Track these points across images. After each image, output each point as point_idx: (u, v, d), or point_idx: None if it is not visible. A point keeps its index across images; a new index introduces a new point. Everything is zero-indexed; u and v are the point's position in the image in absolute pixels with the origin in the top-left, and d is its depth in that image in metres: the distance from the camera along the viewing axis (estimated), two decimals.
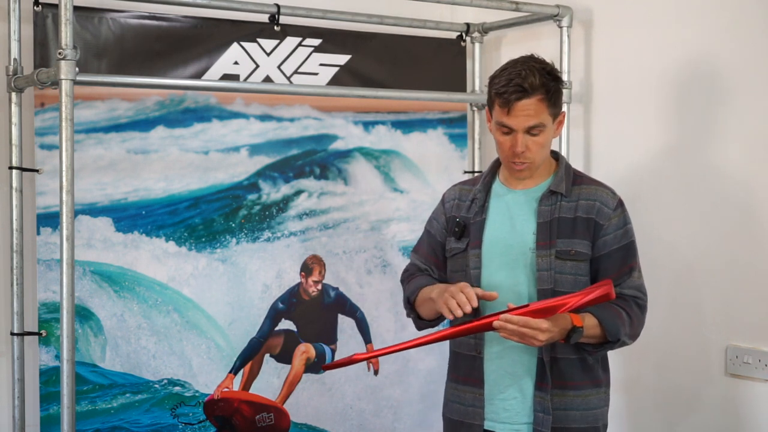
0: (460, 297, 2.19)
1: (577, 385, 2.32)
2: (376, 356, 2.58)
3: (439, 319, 2.44)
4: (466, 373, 2.39)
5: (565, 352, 2.30)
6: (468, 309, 2.18)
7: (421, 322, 2.49)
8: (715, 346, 2.89)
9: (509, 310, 2.18)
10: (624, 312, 2.28)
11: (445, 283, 2.48)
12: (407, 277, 2.54)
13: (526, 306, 2.18)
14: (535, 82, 2.22)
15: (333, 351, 3.34)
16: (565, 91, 3.18)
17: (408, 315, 2.53)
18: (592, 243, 2.31)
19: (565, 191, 2.33)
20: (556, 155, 2.42)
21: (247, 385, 3.18)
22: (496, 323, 2.15)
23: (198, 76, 3.07)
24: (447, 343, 2.50)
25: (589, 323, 2.23)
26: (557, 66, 2.38)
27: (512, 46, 3.60)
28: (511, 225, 2.35)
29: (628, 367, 3.09)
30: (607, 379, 2.41)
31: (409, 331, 3.42)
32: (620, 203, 2.35)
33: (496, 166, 2.44)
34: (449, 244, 2.43)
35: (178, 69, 3.04)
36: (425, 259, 2.52)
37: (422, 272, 2.51)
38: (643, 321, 2.35)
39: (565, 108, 2.36)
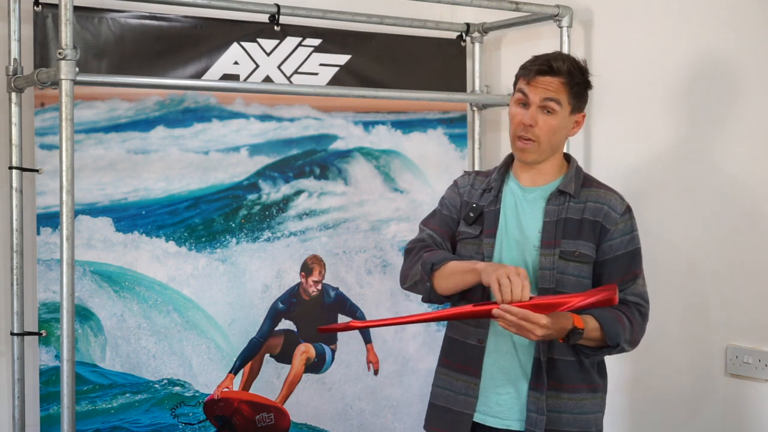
0: (517, 283, 2.11)
1: (573, 388, 2.31)
2: (373, 326, 2.74)
3: (451, 297, 2.35)
4: (462, 361, 2.37)
5: (563, 354, 2.30)
6: (519, 298, 2.11)
7: (432, 294, 2.35)
8: (715, 346, 2.89)
9: (511, 301, 2.16)
10: (626, 318, 2.27)
11: None
12: (423, 247, 2.41)
13: (530, 299, 2.17)
14: (562, 66, 2.28)
15: (333, 351, 3.34)
16: None
17: (416, 283, 2.37)
18: (597, 246, 2.31)
19: (574, 192, 2.33)
20: (568, 158, 2.42)
21: (247, 385, 3.18)
22: (495, 311, 2.13)
23: (198, 76, 3.07)
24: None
25: (590, 326, 2.22)
26: (590, 72, 2.38)
27: (512, 46, 3.60)
28: (519, 220, 2.35)
29: (629, 367, 3.09)
30: (605, 384, 2.40)
31: (409, 331, 3.43)
32: (628, 209, 2.35)
33: (510, 160, 2.44)
34: (461, 228, 2.42)
35: (178, 69, 3.04)
36: (439, 234, 2.44)
37: (439, 247, 2.41)
38: (643, 328, 2.33)
39: (586, 114, 2.37)
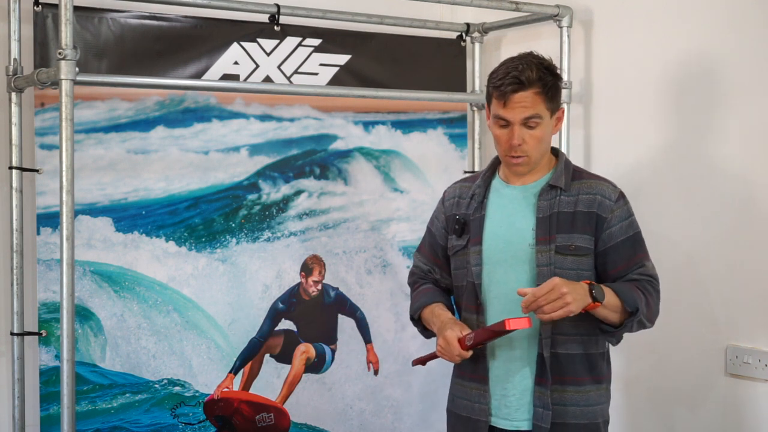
0: (449, 351, 2.28)
1: (577, 380, 2.32)
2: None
3: None
4: (471, 370, 2.39)
5: (566, 348, 2.30)
6: (457, 360, 2.30)
7: (427, 332, 2.50)
8: (715, 346, 2.89)
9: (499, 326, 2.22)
10: (638, 289, 2.26)
11: (449, 283, 2.50)
12: (412, 284, 2.57)
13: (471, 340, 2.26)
14: (531, 75, 2.24)
15: (333, 351, 3.34)
16: (565, 91, 3.20)
17: (413, 323, 2.55)
18: (595, 237, 2.30)
19: (564, 185, 2.32)
20: (555, 151, 2.41)
21: (247, 385, 3.18)
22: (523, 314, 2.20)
23: (198, 76, 3.07)
24: None
25: (607, 291, 2.22)
26: (557, 66, 2.37)
27: (512, 46, 3.60)
28: (510, 221, 2.35)
29: (628, 367, 3.09)
30: (609, 375, 2.41)
31: (409, 331, 3.43)
32: (621, 195, 2.34)
33: (496, 163, 2.44)
34: (450, 242, 2.44)
35: (178, 69, 3.04)
36: (427, 259, 2.54)
37: (426, 275, 2.53)
38: (657, 303, 2.32)
39: (564, 107, 2.35)
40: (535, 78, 2.24)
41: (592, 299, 2.19)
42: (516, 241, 2.33)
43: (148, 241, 3.02)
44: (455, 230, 2.42)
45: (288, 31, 3.22)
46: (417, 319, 2.49)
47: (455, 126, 3.58)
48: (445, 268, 2.50)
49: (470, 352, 2.27)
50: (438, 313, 2.39)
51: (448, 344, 2.27)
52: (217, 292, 3.13)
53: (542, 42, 3.37)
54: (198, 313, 3.09)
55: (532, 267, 2.30)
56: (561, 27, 3.25)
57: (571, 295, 2.14)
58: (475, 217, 2.39)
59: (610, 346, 2.42)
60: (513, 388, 2.33)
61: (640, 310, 2.24)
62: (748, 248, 2.81)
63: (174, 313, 3.05)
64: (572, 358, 2.31)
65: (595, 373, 2.35)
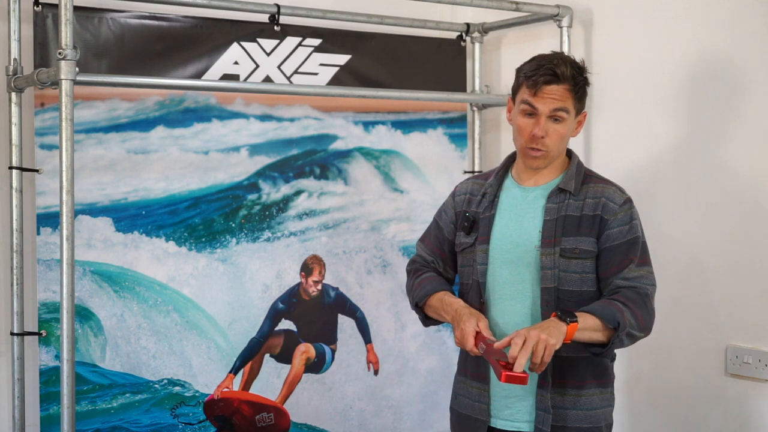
0: (470, 342, 2.21)
1: (581, 384, 2.31)
2: None
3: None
4: (473, 369, 2.39)
5: (570, 351, 2.28)
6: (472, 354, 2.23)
7: (428, 321, 2.48)
8: (715, 346, 2.89)
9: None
10: (617, 302, 2.22)
11: (451, 277, 2.50)
12: (414, 270, 2.53)
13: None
14: (566, 71, 2.26)
15: (333, 351, 3.34)
16: None
17: (413, 308, 2.51)
18: (597, 239, 2.30)
19: (574, 190, 2.32)
20: (569, 154, 2.41)
21: (247, 385, 3.18)
22: (508, 374, 2.11)
23: (198, 76, 3.07)
24: (447, 344, 2.50)
25: (585, 316, 2.19)
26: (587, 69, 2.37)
27: (512, 46, 3.61)
28: (518, 222, 2.35)
29: (629, 367, 3.09)
30: (612, 378, 2.40)
31: (409, 331, 3.43)
32: (628, 200, 2.33)
33: (510, 161, 2.44)
34: (459, 239, 2.43)
35: (178, 69, 3.04)
36: (431, 251, 2.52)
37: (428, 265, 2.51)
38: (647, 310, 2.26)
39: (587, 112, 2.36)
40: (569, 75, 2.27)
41: (566, 323, 2.16)
42: (522, 243, 2.32)
43: (148, 241, 3.02)
44: (464, 227, 2.41)
45: (288, 31, 3.22)
46: (420, 306, 2.46)
47: (455, 126, 3.58)
48: (449, 261, 2.49)
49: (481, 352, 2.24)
50: (449, 301, 2.36)
51: (464, 338, 2.24)
52: (217, 292, 3.13)
53: (542, 42, 3.38)
54: (198, 313, 3.09)
55: (537, 269, 2.30)
56: (561, 27, 3.25)
57: (544, 332, 2.12)
58: (485, 216, 2.39)
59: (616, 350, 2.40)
60: (516, 389, 2.32)
61: (623, 324, 2.20)
62: (749, 249, 2.81)
63: (174, 313, 3.05)
64: (577, 362, 2.30)
65: (601, 376, 2.34)
